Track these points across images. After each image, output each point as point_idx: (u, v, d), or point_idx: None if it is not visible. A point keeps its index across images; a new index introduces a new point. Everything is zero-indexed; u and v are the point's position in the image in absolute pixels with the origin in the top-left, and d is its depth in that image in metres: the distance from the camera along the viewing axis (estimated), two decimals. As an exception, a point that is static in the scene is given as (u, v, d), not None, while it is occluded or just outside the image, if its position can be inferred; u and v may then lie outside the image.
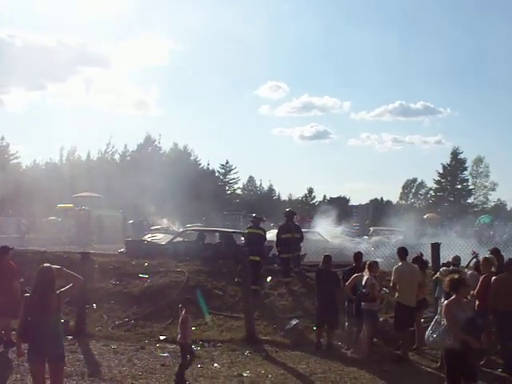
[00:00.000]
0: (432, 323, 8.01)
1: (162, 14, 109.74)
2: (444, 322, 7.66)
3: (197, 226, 32.62)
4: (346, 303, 12.59)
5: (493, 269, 11.10)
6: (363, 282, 11.70)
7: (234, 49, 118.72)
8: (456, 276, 8.02)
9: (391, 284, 11.94)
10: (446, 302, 7.83)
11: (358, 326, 12.06)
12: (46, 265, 7.25)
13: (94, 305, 14.67)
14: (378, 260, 14.20)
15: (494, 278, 10.77)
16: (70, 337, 12.08)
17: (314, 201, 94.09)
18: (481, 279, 10.76)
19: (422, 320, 12.19)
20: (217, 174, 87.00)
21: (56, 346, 7.01)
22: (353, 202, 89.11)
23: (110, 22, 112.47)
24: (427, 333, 7.97)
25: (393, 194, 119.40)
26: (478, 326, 7.90)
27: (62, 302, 7.31)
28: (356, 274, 12.21)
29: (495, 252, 12.10)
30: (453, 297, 7.74)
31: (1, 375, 9.70)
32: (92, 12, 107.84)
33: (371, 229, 35.54)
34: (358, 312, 11.84)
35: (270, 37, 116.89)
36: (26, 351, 7.11)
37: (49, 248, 20.44)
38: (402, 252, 11.92)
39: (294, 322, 13.80)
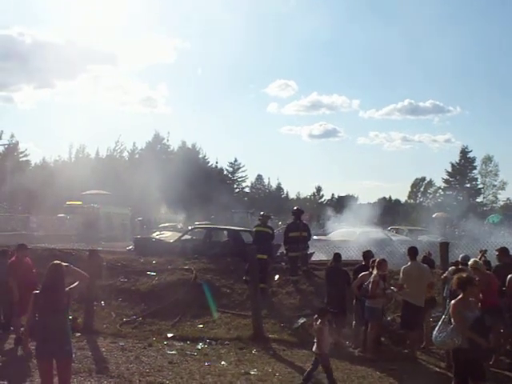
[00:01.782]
0: (439, 323, 7.97)
1: (169, 12, 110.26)
2: (452, 321, 7.64)
3: (205, 223, 32.68)
4: (354, 302, 12.57)
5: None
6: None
7: (242, 46, 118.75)
8: (464, 275, 7.99)
9: (398, 284, 11.90)
10: (453, 301, 7.80)
11: (365, 324, 12.04)
12: (56, 262, 7.29)
13: (102, 302, 14.71)
14: None
15: (510, 276, 10.80)
16: (78, 334, 12.15)
17: (322, 199, 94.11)
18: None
19: (431, 319, 12.15)
20: (225, 172, 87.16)
21: (64, 343, 7.03)
22: (361, 201, 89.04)
23: (118, 20, 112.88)
24: (435, 332, 7.94)
25: (401, 193, 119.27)
26: (486, 325, 7.86)
27: (71, 300, 7.33)
28: (363, 273, 12.19)
29: (502, 251, 12.01)
30: (460, 296, 7.72)
31: (10, 372, 9.74)
32: (100, 10, 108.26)
33: (405, 228, 34.99)
34: (364, 310, 11.84)
35: (279, 35, 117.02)
36: (33, 348, 7.14)
37: (58, 245, 20.51)
38: (412, 251, 11.86)
39: (301, 320, 13.78)
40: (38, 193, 42.21)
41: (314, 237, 26.84)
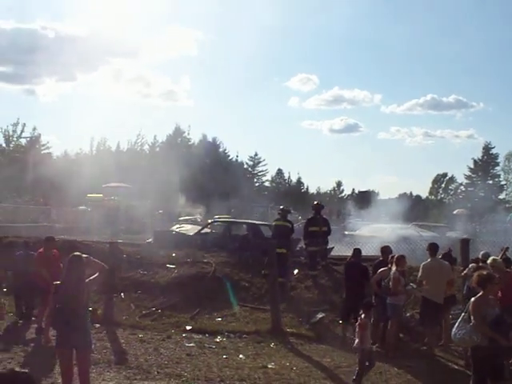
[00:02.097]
0: (459, 320, 7.92)
1: (191, 5, 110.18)
2: (471, 319, 7.58)
3: (225, 217, 32.74)
4: (373, 297, 12.52)
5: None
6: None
7: (264, 40, 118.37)
8: (484, 272, 7.92)
9: (417, 280, 11.83)
10: (473, 298, 7.73)
11: (384, 320, 11.99)
12: (76, 253, 7.35)
13: (122, 294, 14.84)
14: None
15: None
16: (97, 325, 12.25)
17: (342, 194, 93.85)
18: None
19: (450, 317, 12.08)
20: (245, 165, 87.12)
21: (84, 334, 7.11)
22: (382, 196, 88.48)
23: (140, 12, 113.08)
24: (454, 330, 7.88)
25: (422, 189, 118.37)
26: (506, 323, 7.79)
27: (91, 291, 7.39)
28: (383, 269, 12.13)
29: None
30: (480, 293, 7.66)
31: (31, 361, 9.85)
32: (122, 3, 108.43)
33: (430, 225, 34.72)
34: (384, 306, 11.77)
35: (301, 28, 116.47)
36: (54, 338, 7.22)
37: (78, 237, 20.68)
38: (433, 248, 11.78)
39: (319, 315, 13.78)
40: (60, 185, 42.50)
41: (345, 232, 26.98)
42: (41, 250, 12.27)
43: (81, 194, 42.52)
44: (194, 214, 43.03)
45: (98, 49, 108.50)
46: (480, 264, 11.01)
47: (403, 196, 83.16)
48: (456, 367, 10.78)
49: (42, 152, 70.20)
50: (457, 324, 7.88)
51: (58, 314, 7.08)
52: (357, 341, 9.39)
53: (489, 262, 10.90)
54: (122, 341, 11.67)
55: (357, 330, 9.50)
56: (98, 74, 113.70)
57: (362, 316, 9.47)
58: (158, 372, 9.61)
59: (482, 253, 12.45)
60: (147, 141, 79.62)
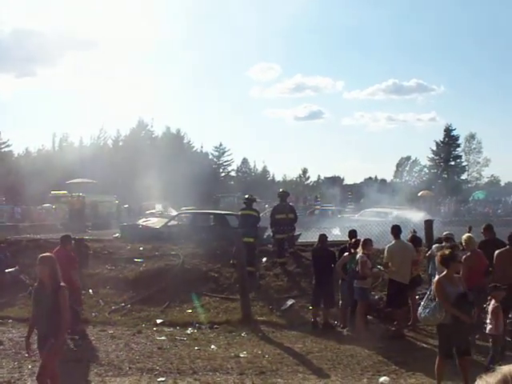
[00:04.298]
0: (424, 299, 8.07)
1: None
2: (435, 297, 7.72)
3: (191, 209, 32.64)
4: (340, 281, 12.66)
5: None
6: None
7: (224, 30, 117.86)
8: (446, 252, 8.06)
9: (383, 262, 11.98)
10: (436, 277, 7.87)
11: (352, 304, 12.13)
12: (45, 254, 7.21)
13: (90, 290, 14.69)
14: None
15: (496, 252, 10.85)
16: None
17: (308, 181, 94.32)
18: (463, 258, 10.44)
19: (417, 297, 12.26)
20: (210, 156, 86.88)
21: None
22: (347, 181, 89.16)
23: (99, 4, 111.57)
24: (419, 309, 8.04)
25: (387, 173, 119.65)
26: (469, 301, 7.93)
27: None
28: (346, 253, 12.28)
29: (488, 228, 12.11)
30: (444, 272, 7.80)
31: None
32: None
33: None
34: (351, 290, 11.91)
35: (261, 17, 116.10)
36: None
37: (43, 235, 20.42)
38: (396, 230, 11.92)
39: (289, 302, 13.87)
40: (22, 183, 41.88)
41: (341, 215, 27.18)
42: (57, 248, 11.49)
43: (45, 191, 42.00)
44: (161, 207, 42.79)
45: (56, 43, 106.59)
46: (443, 243, 11.17)
47: (369, 180, 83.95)
48: (425, 346, 10.96)
49: (3, 150, 69.09)
50: (422, 303, 8.03)
51: (37, 317, 6.95)
52: (490, 327, 8.86)
53: (464, 237, 11.11)
54: (92, 338, 11.57)
55: (489, 316, 8.93)
56: (58, 68, 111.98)
57: (492, 301, 8.89)
58: (129, 367, 9.57)
59: (444, 233, 12.65)
60: (110, 135, 78.94)
